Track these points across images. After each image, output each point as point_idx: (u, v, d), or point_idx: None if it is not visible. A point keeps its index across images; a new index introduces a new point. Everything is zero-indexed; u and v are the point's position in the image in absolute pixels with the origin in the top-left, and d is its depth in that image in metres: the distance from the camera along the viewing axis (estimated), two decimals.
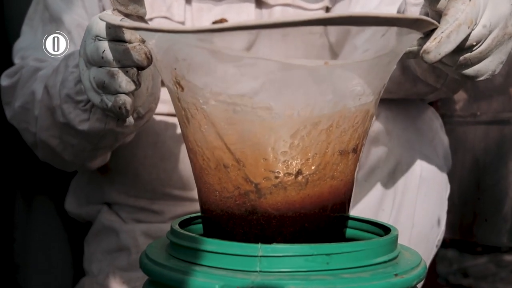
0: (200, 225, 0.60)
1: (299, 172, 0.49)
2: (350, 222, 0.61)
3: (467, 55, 0.54)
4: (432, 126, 0.81)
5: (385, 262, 0.49)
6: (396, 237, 0.52)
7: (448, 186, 0.84)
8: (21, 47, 0.84)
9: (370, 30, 0.46)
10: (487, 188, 1.27)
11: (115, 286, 0.88)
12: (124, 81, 0.54)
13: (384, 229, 0.56)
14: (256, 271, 0.46)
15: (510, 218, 1.24)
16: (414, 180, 0.78)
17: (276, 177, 0.49)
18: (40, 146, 0.78)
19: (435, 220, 0.82)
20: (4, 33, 1.03)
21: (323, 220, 0.51)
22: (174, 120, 0.87)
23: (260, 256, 0.46)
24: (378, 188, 0.78)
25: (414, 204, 0.78)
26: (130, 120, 0.62)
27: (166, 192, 0.88)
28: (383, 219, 0.77)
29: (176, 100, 0.51)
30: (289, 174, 0.48)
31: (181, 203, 0.88)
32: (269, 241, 0.49)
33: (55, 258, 1.03)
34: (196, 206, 0.88)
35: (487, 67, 0.56)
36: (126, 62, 0.54)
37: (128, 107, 0.56)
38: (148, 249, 0.54)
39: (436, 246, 0.85)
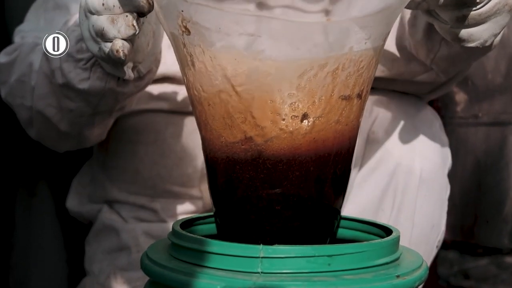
0: (202, 226, 0.60)
1: (305, 116, 0.49)
2: (351, 223, 0.61)
3: (467, 13, 0.55)
4: (432, 126, 0.81)
5: (387, 263, 0.49)
6: (398, 239, 0.52)
7: (448, 187, 0.84)
8: (23, 30, 0.84)
9: None
10: (488, 190, 1.27)
11: (115, 286, 0.88)
12: (123, 26, 0.54)
13: (385, 230, 0.56)
14: (258, 272, 0.46)
15: (511, 220, 1.24)
16: (414, 181, 0.78)
17: (283, 120, 0.49)
18: (36, 119, 0.77)
19: (435, 220, 0.82)
20: (5, 32, 1.03)
21: (328, 165, 0.51)
22: (175, 117, 0.87)
23: (262, 257, 0.46)
24: (377, 189, 0.78)
25: (414, 204, 0.78)
26: (130, 73, 0.61)
27: (167, 189, 0.88)
28: (383, 219, 0.77)
29: (181, 46, 0.51)
30: (296, 117, 0.49)
31: (181, 200, 0.89)
32: (277, 186, 0.49)
33: (51, 258, 1.03)
34: (197, 205, 0.89)
35: (480, 34, 0.57)
36: (126, 7, 0.53)
37: (126, 51, 0.55)
38: (149, 249, 0.54)
39: (437, 247, 0.85)
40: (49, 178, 1.04)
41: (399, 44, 0.75)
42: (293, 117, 0.49)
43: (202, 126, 0.53)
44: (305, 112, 0.49)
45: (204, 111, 0.52)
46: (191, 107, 0.54)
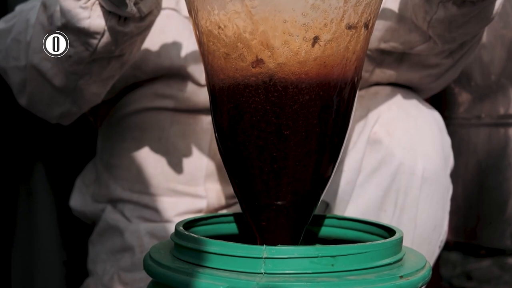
0: (205, 227, 0.60)
1: (316, 38, 0.50)
2: (354, 224, 0.61)
3: None
4: (434, 127, 0.81)
5: (390, 264, 0.49)
6: (401, 239, 0.52)
7: (451, 187, 0.84)
8: (24, 5, 0.83)
9: None
10: (490, 191, 1.27)
11: (119, 287, 0.88)
12: None
13: (388, 231, 0.56)
14: (261, 273, 0.46)
15: None
16: (416, 181, 0.78)
17: (295, 41, 0.49)
18: (29, 78, 0.76)
19: (438, 221, 0.82)
20: None
21: (335, 93, 0.52)
22: (179, 115, 0.88)
23: (265, 258, 0.46)
24: (380, 189, 0.78)
25: (416, 205, 0.78)
26: (131, 6, 0.61)
27: (171, 188, 0.88)
28: (385, 220, 0.77)
29: None
30: (308, 39, 0.50)
31: (186, 199, 0.89)
32: (287, 109, 0.51)
33: (50, 258, 1.03)
34: (201, 204, 0.89)
35: None
36: None
37: None
38: (152, 250, 0.54)
39: (439, 247, 0.85)
40: (50, 177, 1.04)
41: (401, 15, 0.75)
42: (305, 38, 0.49)
43: (209, 54, 0.53)
44: (317, 35, 0.50)
45: (214, 36, 0.52)
46: (199, 44, 0.55)
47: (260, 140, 0.52)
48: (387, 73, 0.83)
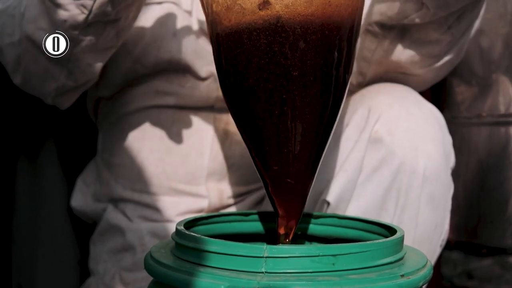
0: (205, 226, 0.60)
1: None
2: (355, 223, 0.61)
3: None
4: (435, 126, 0.81)
5: (391, 263, 0.49)
6: (402, 238, 0.52)
7: (452, 186, 0.84)
8: None
9: None
10: (491, 190, 1.27)
11: (120, 286, 0.88)
12: None
13: (389, 230, 0.56)
14: (262, 272, 0.46)
15: None
16: (417, 180, 0.78)
17: None
18: (23, 53, 0.76)
19: (439, 220, 0.82)
20: None
21: (341, 31, 0.53)
22: (181, 114, 0.88)
23: (266, 257, 0.46)
24: (381, 188, 0.78)
25: (417, 203, 0.78)
26: None
27: (172, 187, 0.88)
28: (386, 219, 0.77)
29: None
30: None
31: (186, 198, 0.89)
32: (295, 50, 0.52)
33: (61, 258, 1.02)
34: (203, 203, 0.89)
35: None
36: None
37: None
38: (153, 250, 0.54)
39: (440, 246, 0.85)
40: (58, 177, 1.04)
41: None
42: None
43: (213, 3, 0.54)
44: None
45: None
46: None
47: (269, 83, 0.52)
48: (389, 52, 0.83)
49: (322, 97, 0.53)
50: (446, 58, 0.84)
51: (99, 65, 0.79)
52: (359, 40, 0.85)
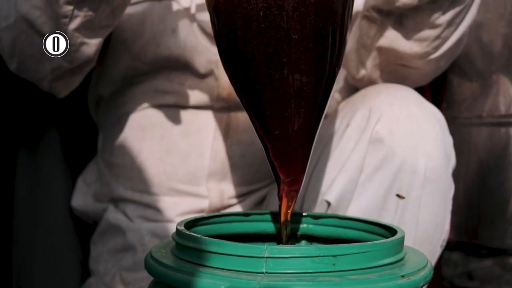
0: (206, 226, 0.60)
1: None
2: (355, 224, 0.61)
3: None
4: (436, 126, 0.81)
5: (392, 263, 0.49)
6: (403, 239, 0.52)
7: (453, 186, 0.84)
8: None
9: None
10: (492, 190, 1.27)
11: (121, 286, 0.88)
12: None
13: (389, 230, 0.56)
14: (262, 272, 0.46)
15: None
16: (418, 180, 0.78)
17: None
18: (19, 34, 0.76)
19: (440, 220, 0.82)
20: None
21: None
22: (181, 114, 0.88)
23: (266, 257, 0.46)
24: (381, 188, 0.78)
25: (418, 203, 0.78)
26: None
27: (172, 187, 0.88)
28: (387, 219, 0.77)
29: None
30: None
31: (187, 198, 0.89)
32: (295, 13, 0.52)
33: (62, 258, 1.02)
34: (203, 204, 0.89)
35: None
36: None
37: None
38: (154, 250, 0.54)
39: (441, 246, 0.85)
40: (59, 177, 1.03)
41: None
42: None
43: None
44: None
45: None
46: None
47: (269, 47, 0.52)
48: (388, 39, 0.83)
49: (321, 60, 0.54)
50: (445, 48, 0.84)
51: (94, 43, 0.77)
52: (358, 27, 0.86)
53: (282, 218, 0.58)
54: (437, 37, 0.82)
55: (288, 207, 0.58)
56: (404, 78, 0.90)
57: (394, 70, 0.89)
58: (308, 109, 0.55)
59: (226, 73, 0.57)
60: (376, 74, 0.89)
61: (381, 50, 0.86)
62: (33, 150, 0.99)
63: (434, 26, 0.81)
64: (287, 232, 0.59)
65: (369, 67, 0.88)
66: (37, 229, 0.99)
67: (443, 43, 0.84)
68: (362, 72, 0.89)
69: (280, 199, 0.58)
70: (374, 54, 0.87)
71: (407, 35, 0.83)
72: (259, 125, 0.56)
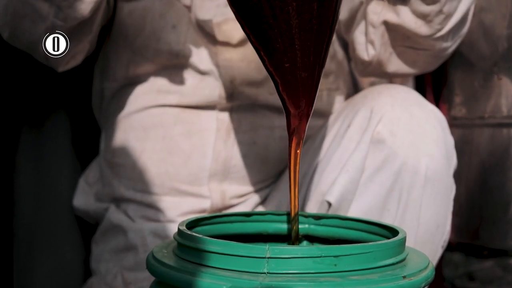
0: (207, 227, 0.60)
1: None
2: (357, 224, 0.61)
3: None
4: (437, 126, 0.81)
5: (393, 264, 0.49)
6: (404, 239, 0.52)
7: (454, 187, 0.85)
8: None
9: None
10: (493, 191, 1.27)
11: (122, 286, 0.88)
12: None
13: (390, 231, 0.56)
14: (264, 273, 0.46)
15: None
16: (420, 180, 0.78)
17: None
18: (14, 2, 0.75)
19: (441, 220, 0.82)
20: None
21: None
22: (183, 114, 0.88)
23: (268, 258, 0.46)
24: (383, 189, 0.78)
25: (419, 204, 0.78)
26: None
27: (174, 187, 0.88)
28: (388, 219, 0.77)
29: None
30: None
31: (189, 199, 0.89)
32: None
33: (65, 258, 1.01)
34: (205, 204, 0.89)
35: None
36: None
37: None
38: (155, 250, 0.54)
39: (442, 247, 0.85)
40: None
41: None
42: None
43: None
44: None
45: None
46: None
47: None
48: (395, 14, 0.82)
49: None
50: (450, 25, 0.83)
51: (88, 1, 0.75)
52: (364, 5, 0.85)
53: (292, 178, 0.59)
54: (440, 11, 0.80)
55: (297, 145, 0.59)
56: (414, 63, 0.89)
57: (403, 53, 0.87)
58: (318, 40, 0.56)
59: (233, 10, 0.57)
60: (385, 56, 0.87)
61: (388, 26, 0.84)
62: (36, 149, 0.99)
63: (434, 2, 0.79)
64: (295, 194, 0.60)
65: (378, 45, 0.86)
66: (38, 228, 0.98)
67: (447, 19, 0.82)
68: (371, 52, 0.87)
69: (290, 134, 0.59)
70: (382, 30, 0.85)
71: (413, 9, 0.81)
72: (268, 60, 0.57)
